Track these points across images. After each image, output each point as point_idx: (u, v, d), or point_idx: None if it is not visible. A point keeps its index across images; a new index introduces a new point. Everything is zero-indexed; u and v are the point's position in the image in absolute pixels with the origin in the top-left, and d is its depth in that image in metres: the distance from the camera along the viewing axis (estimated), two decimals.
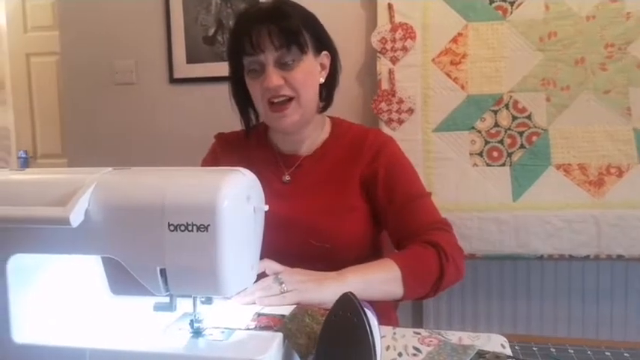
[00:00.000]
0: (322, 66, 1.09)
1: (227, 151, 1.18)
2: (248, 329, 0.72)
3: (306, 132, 1.12)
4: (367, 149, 1.09)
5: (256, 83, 1.03)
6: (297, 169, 1.12)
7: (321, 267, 0.92)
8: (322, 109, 1.13)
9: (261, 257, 0.78)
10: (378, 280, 0.92)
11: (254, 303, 0.82)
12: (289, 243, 0.99)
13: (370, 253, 1.08)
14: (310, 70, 1.05)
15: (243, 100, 1.12)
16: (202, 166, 1.18)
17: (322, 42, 1.08)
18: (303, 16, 1.05)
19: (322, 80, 1.09)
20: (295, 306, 0.81)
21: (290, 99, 1.02)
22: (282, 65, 1.01)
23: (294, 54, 1.01)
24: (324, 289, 0.85)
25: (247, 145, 1.17)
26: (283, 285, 0.84)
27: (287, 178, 1.11)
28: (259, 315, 0.76)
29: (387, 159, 1.09)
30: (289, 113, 1.03)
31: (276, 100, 1.02)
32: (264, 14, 1.01)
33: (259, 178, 0.73)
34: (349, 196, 1.07)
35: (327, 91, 1.12)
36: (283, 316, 0.76)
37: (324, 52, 1.08)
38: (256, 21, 1.01)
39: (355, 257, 0.99)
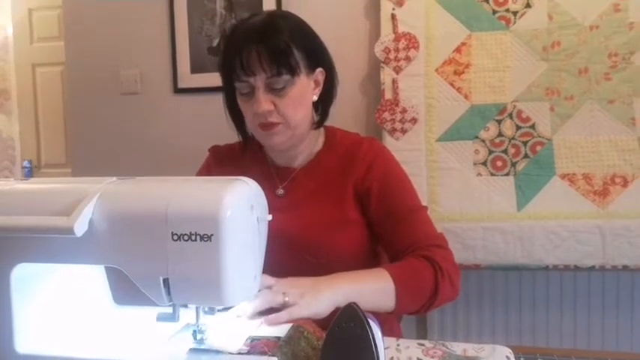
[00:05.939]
0: (316, 83, 1.06)
1: (220, 164, 1.17)
2: (241, 354, 0.70)
3: (299, 148, 1.09)
4: (360, 161, 1.07)
5: (247, 105, 1.01)
6: (290, 182, 1.10)
7: None
8: (317, 125, 1.10)
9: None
10: (370, 290, 0.91)
11: (260, 318, 0.79)
12: (284, 258, 0.95)
13: (367, 264, 1.04)
14: (302, 93, 1.01)
15: (237, 114, 1.09)
16: None
17: (316, 59, 1.04)
18: (294, 31, 1.00)
19: (315, 98, 1.06)
20: (291, 326, 0.78)
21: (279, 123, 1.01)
22: (273, 90, 0.98)
23: (284, 79, 0.97)
24: (320, 300, 0.84)
25: (242, 157, 1.16)
26: (286, 295, 0.82)
27: (281, 191, 1.09)
28: (252, 340, 0.74)
29: (381, 172, 1.06)
30: (277, 132, 1.01)
31: (265, 123, 1.01)
32: (254, 32, 0.97)
33: None
34: (344, 209, 1.05)
35: (322, 107, 1.09)
36: (278, 338, 0.74)
37: (319, 70, 1.05)
38: (245, 41, 0.97)
39: (352, 270, 0.96)
